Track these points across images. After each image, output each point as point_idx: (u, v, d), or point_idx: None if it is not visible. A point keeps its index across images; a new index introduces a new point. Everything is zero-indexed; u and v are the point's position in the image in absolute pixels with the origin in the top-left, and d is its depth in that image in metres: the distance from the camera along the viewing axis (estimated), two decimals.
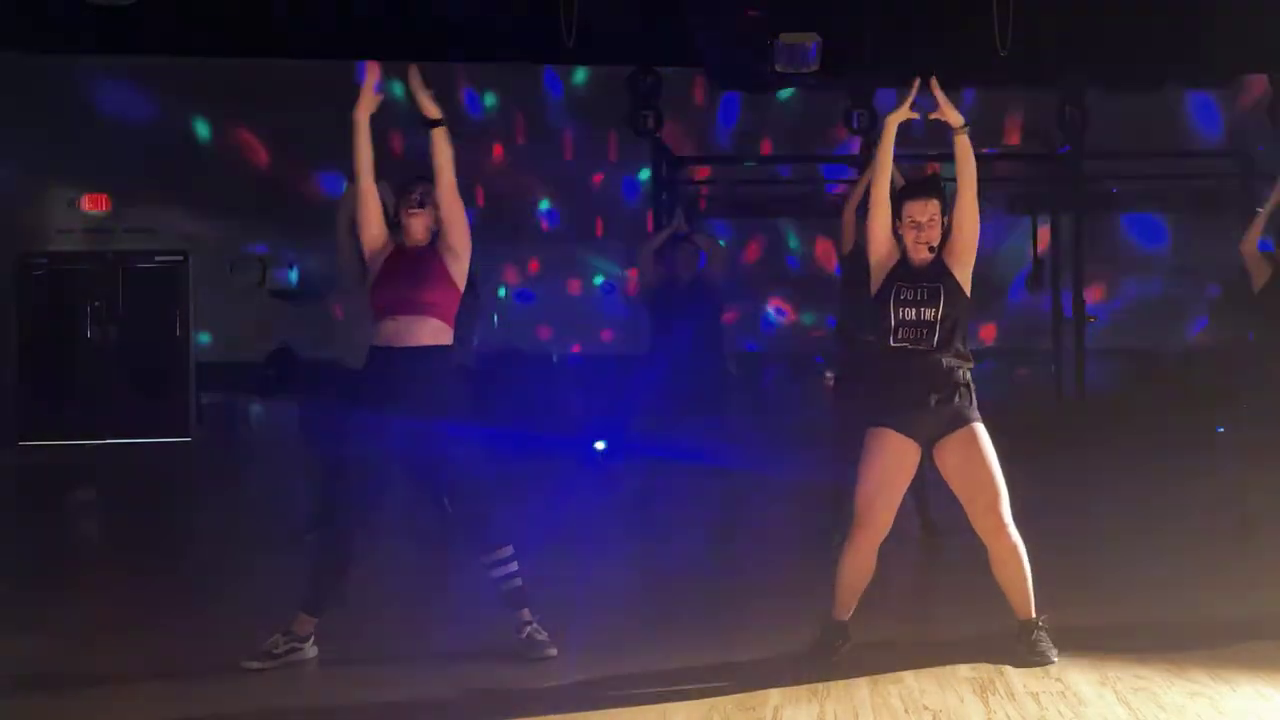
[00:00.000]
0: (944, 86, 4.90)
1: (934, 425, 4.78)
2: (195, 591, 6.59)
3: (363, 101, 4.96)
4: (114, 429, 15.27)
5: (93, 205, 15.46)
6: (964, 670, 4.65)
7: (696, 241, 8.61)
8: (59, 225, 15.51)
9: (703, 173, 15.08)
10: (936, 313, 4.78)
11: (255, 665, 4.83)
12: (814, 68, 12.07)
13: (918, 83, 4.95)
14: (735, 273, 14.08)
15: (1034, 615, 4.81)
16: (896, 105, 4.94)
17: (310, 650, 4.97)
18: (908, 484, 4.89)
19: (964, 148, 4.85)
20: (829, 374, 12.39)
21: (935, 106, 4.90)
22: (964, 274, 4.85)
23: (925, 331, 4.78)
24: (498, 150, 15.09)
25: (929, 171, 6.87)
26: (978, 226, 4.87)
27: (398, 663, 4.96)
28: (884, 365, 4.86)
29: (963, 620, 5.43)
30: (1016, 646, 4.79)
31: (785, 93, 14.70)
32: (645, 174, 14.29)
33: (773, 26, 11.89)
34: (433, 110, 4.96)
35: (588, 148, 15.21)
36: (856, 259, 7.49)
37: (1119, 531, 8.13)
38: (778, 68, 12.24)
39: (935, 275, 4.82)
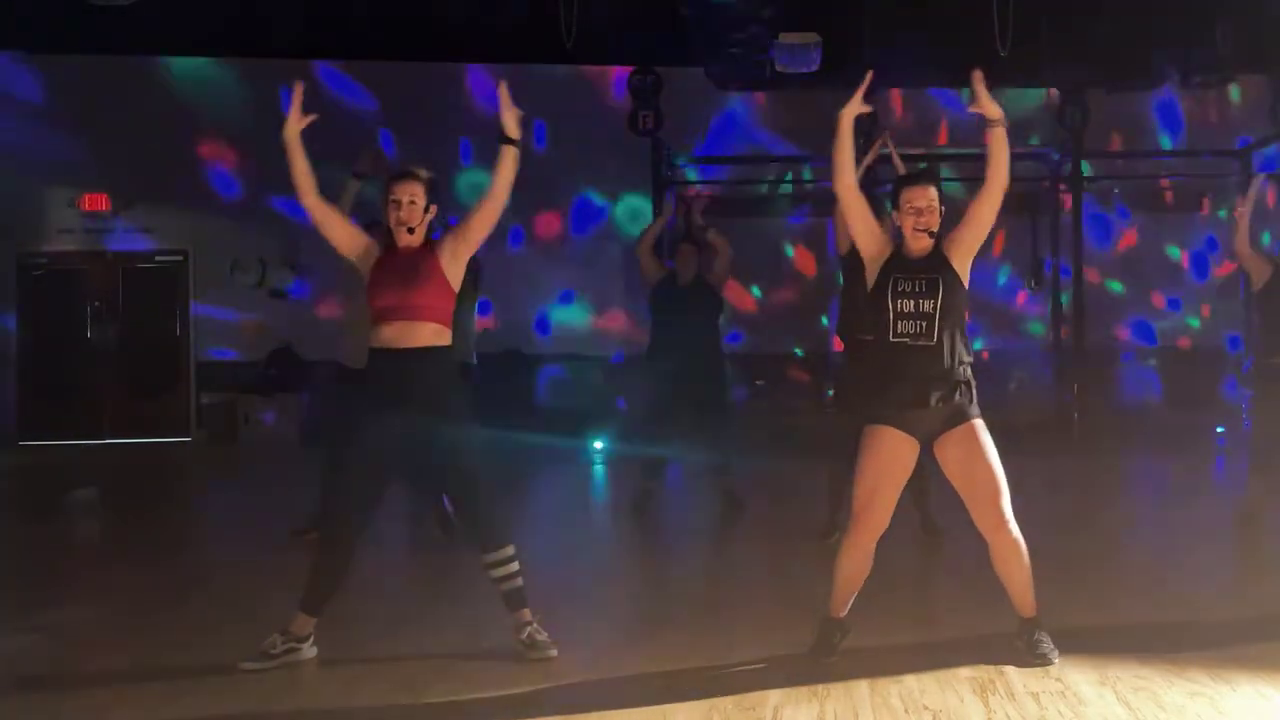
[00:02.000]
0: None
1: (934, 422, 4.77)
2: (194, 591, 6.59)
3: (292, 117, 4.94)
4: (114, 429, 15.27)
5: (93, 205, 15.46)
6: (964, 670, 4.65)
7: (709, 238, 8.60)
8: (59, 225, 15.51)
9: (702, 173, 15.06)
10: (936, 304, 4.74)
11: (254, 665, 4.82)
12: (814, 68, 12.07)
13: (870, 76, 4.99)
14: (736, 272, 14.09)
15: (1035, 613, 4.81)
16: (848, 101, 4.92)
17: (309, 650, 4.96)
18: (905, 480, 4.88)
19: (999, 140, 4.85)
20: (829, 389, 12.39)
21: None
22: (963, 265, 4.83)
23: (925, 324, 4.75)
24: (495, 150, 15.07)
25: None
26: (993, 218, 4.86)
27: (398, 663, 4.96)
28: (883, 361, 4.84)
29: (963, 620, 5.43)
30: (1016, 645, 4.79)
31: (785, 93, 14.69)
32: (645, 174, 14.26)
33: (773, 26, 11.89)
34: (514, 130, 4.96)
35: (587, 148, 15.20)
36: (855, 259, 7.50)
37: (1119, 531, 8.13)
38: (778, 68, 12.25)
39: (933, 266, 4.80)
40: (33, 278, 15.53)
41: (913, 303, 4.77)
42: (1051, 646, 4.75)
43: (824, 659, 4.81)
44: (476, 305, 8.08)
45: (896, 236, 4.94)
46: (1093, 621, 5.38)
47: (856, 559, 4.84)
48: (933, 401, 4.73)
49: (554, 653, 4.94)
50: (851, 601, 4.89)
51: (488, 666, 4.86)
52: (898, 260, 4.86)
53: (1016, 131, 15.18)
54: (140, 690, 4.63)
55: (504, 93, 4.96)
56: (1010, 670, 4.65)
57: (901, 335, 4.77)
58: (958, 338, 4.79)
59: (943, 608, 5.98)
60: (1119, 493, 10.30)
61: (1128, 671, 4.60)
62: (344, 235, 5.04)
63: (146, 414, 15.35)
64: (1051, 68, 12.82)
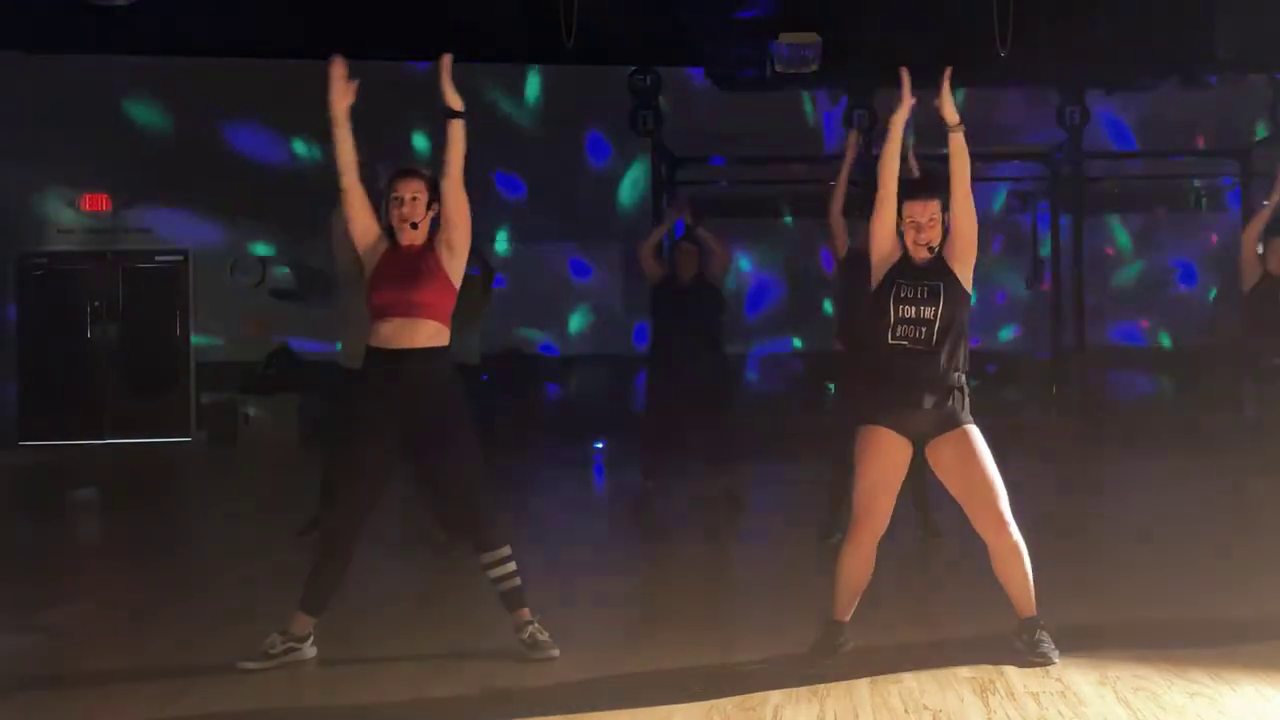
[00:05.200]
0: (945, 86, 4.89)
1: (925, 424, 4.78)
2: (194, 591, 6.59)
3: (336, 92, 4.85)
4: (114, 429, 15.28)
5: (93, 205, 15.46)
6: (964, 670, 4.65)
7: (703, 241, 8.60)
8: (59, 225, 15.51)
9: (702, 173, 15.05)
10: (936, 311, 4.76)
11: (253, 665, 4.82)
12: (814, 68, 12.07)
13: (907, 76, 4.96)
14: (735, 272, 14.11)
15: (1035, 613, 4.81)
16: (897, 105, 4.92)
17: (309, 650, 4.96)
18: (901, 481, 4.87)
19: (958, 145, 4.83)
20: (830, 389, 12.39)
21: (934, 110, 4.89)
22: (965, 272, 4.84)
23: (924, 330, 4.77)
24: (496, 151, 15.09)
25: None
26: (975, 224, 4.86)
27: (398, 663, 4.95)
28: (880, 363, 4.85)
29: (963, 620, 5.42)
30: (1016, 645, 4.79)
31: (785, 92, 14.69)
32: (645, 174, 14.27)
33: (773, 26, 11.89)
34: (456, 101, 4.89)
35: (587, 148, 15.20)
36: (852, 262, 7.50)
37: (1119, 531, 8.14)
38: (778, 68, 12.24)
39: (936, 274, 4.81)
40: (33, 278, 15.54)
41: (914, 309, 4.78)
42: (1052, 646, 4.75)
43: (823, 659, 4.81)
44: (485, 308, 8.08)
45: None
46: (1093, 621, 5.37)
47: (858, 560, 4.83)
48: (926, 404, 4.74)
49: (556, 652, 4.93)
50: (855, 604, 4.89)
51: (488, 666, 4.86)
52: (903, 265, 4.87)
53: (1017, 132, 15.16)
54: (140, 690, 4.63)
55: (446, 66, 4.89)
56: (1010, 670, 4.65)
57: (900, 339, 4.78)
58: (959, 346, 4.80)
59: (943, 608, 5.98)
60: (1119, 493, 10.29)
61: (1128, 671, 4.60)
62: (367, 225, 4.99)
63: (146, 414, 15.36)
64: (1051, 68, 12.83)
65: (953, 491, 4.84)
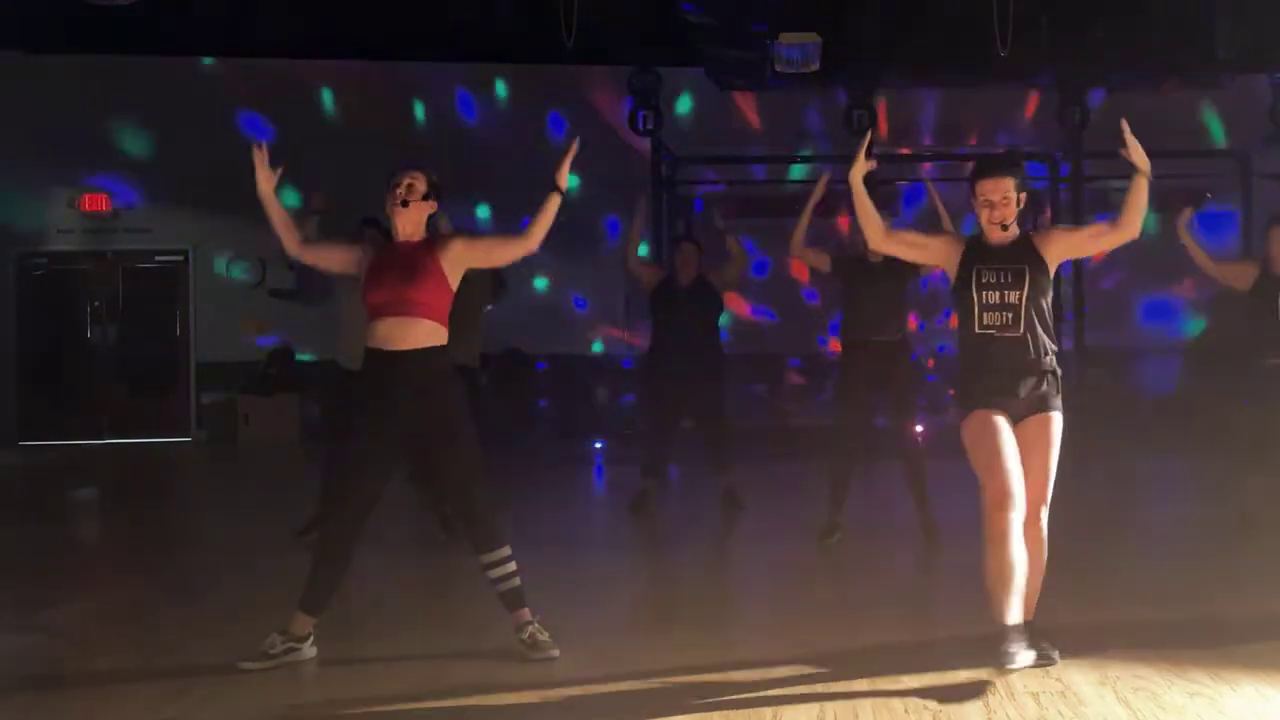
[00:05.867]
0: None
1: (1020, 408, 4.72)
2: (194, 591, 6.59)
3: (261, 176, 4.97)
4: (114, 429, 15.28)
5: (93, 205, 15.46)
6: (964, 670, 4.64)
7: (728, 247, 8.59)
8: (59, 225, 15.51)
9: (702, 173, 15.06)
10: (1022, 295, 4.70)
11: (253, 665, 4.82)
12: (814, 68, 12.07)
13: (868, 139, 5.00)
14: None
15: (1031, 618, 4.76)
16: (854, 161, 4.84)
17: (309, 650, 4.96)
18: (1017, 450, 4.65)
19: (1139, 189, 4.75)
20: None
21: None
22: (1052, 261, 4.78)
23: (1011, 315, 4.69)
24: (496, 151, 15.10)
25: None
26: (1102, 246, 4.93)
27: (397, 663, 4.95)
28: (969, 352, 4.77)
29: (963, 620, 5.42)
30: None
31: (785, 92, 14.69)
32: (645, 174, 14.26)
33: (773, 26, 11.89)
34: (563, 181, 5.03)
35: (587, 148, 15.19)
36: (847, 266, 7.51)
37: (1119, 531, 8.13)
38: (778, 68, 12.24)
39: (1019, 256, 4.74)
40: (33, 278, 15.54)
41: (998, 294, 4.71)
42: (1052, 647, 4.74)
43: (1042, 664, 4.61)
44: (487, 309, 8.07)
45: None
46: (1093, 621, 5.38)
47: (1003, 548, 4.52)
48: (1021, 393, 4.70)
49: (556, 653, 4.93)
50: (1022, 598, 4.56)
51: (488, 667, 4.86)
52: (979, 250, 4.79)
53: (1017, 131, 15.10)
54: (140, 690, 4.62)
55: (573, 149, 5.02)
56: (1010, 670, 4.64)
57: (988, 326, 4.71)
58: (1042, 325, 4.75)
59: (943, 608, 5.99)
60: (1119, 493, 10.29)
61: (1128, 671, 4.60)
62: (338, 259, 5.09)
63: (146, 414, 15.36)
64: (1051, 68, 12.82)
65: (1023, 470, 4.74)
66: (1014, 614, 4.51)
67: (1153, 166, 4.73)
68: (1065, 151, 14.00)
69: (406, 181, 4.96)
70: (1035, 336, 4.72)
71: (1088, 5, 12.31)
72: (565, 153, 5.04)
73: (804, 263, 7.27)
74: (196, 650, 5.20)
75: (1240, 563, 6.75)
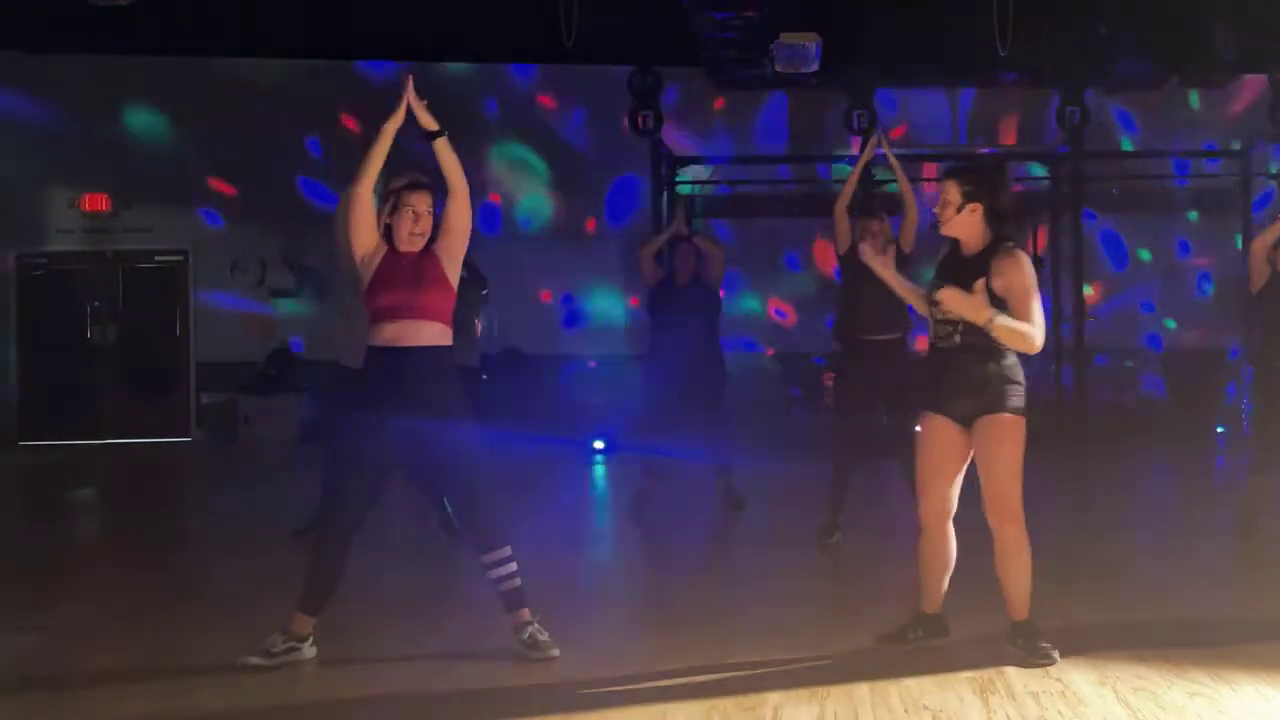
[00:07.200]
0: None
1: (968, 408, 4.78)
2: (194, 591, 6.59)
3: (396, 115, 4.89)
4: (114, 429, 15.27)
5: (93, 205, 15.45)
6: (964, 670, 4.65)
7: (697, 243, 8.62)
8: (59, 225, 15.50)
9: (702, 173, 15.06)
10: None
11: (253, 665, 4.82)
12: (814, 68, 12.07)
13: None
14: (734, 272, 14.08)
15: (1027, 616, 4.79)
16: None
17: (309, 650, 4.96)
18: (962, 463, 4.86)
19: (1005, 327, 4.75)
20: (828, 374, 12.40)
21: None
22: (997, 278, 4.75)
23: (950, 328, 4.79)
24: (496, 151, 15.10)
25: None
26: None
27: (398, 663, 4.96)
28: (928, 362, 4.95)
29: (963, 620, 5.42)
30: (1011, 650, 4.77)
31: (785, 93, 14.71)
32: (645, 174, 14.26)
33: (773, 26, 11.89)
34: (430, 122, 4.92)
35: (587, 148, 15.20)
36: (853, 258, 7.50)
37: (1119, 531, 8.13)
38: (778, 68, 12.24)
39: (964, 271, 4.80)
40: (33, 278, 15.53)
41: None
42: (1052, 646, 4.75)
43: (897, 647, 4.91)
44: (481, 308, 8.09)
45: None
46: (1093, 621, 5.38)
47: (927, 547, 4.94)
48: (971, 397, 4.76)
49: (555, 653, 4.93)
50: (943, 593, 4.98)
51: (488, 666, 4.86)
52: (941, 266, 4.95)
53: (1015, 132, 15.14)
54: (140, 690, 4.63)
55: (409, 89, 4.90)
56: (1010, 670, 4.65)
57: (939, 338, 4.84)
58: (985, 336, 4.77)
59: (943, 608, 5.97)
60: (1119, 494, 10.29)
61: (1128, 671, 4.60)
62: (370, 232, 5.00)
63: (146, 414, 15.35)
64: (1051, 68, 12.82)
65: (979, 473, 4.82)
66: (927, 604, 5.01)
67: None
68: (1065, 152, 14.00)
69: (425, 209, 4.95)
70: (977, 346, 4.73)
71: (1088, 5, 12.32)
72: (407, 100, 4.88)
73: (839, 225, 7.27)
74: (196, 650, 5.20)
75: (1240, 563, 6.75)
